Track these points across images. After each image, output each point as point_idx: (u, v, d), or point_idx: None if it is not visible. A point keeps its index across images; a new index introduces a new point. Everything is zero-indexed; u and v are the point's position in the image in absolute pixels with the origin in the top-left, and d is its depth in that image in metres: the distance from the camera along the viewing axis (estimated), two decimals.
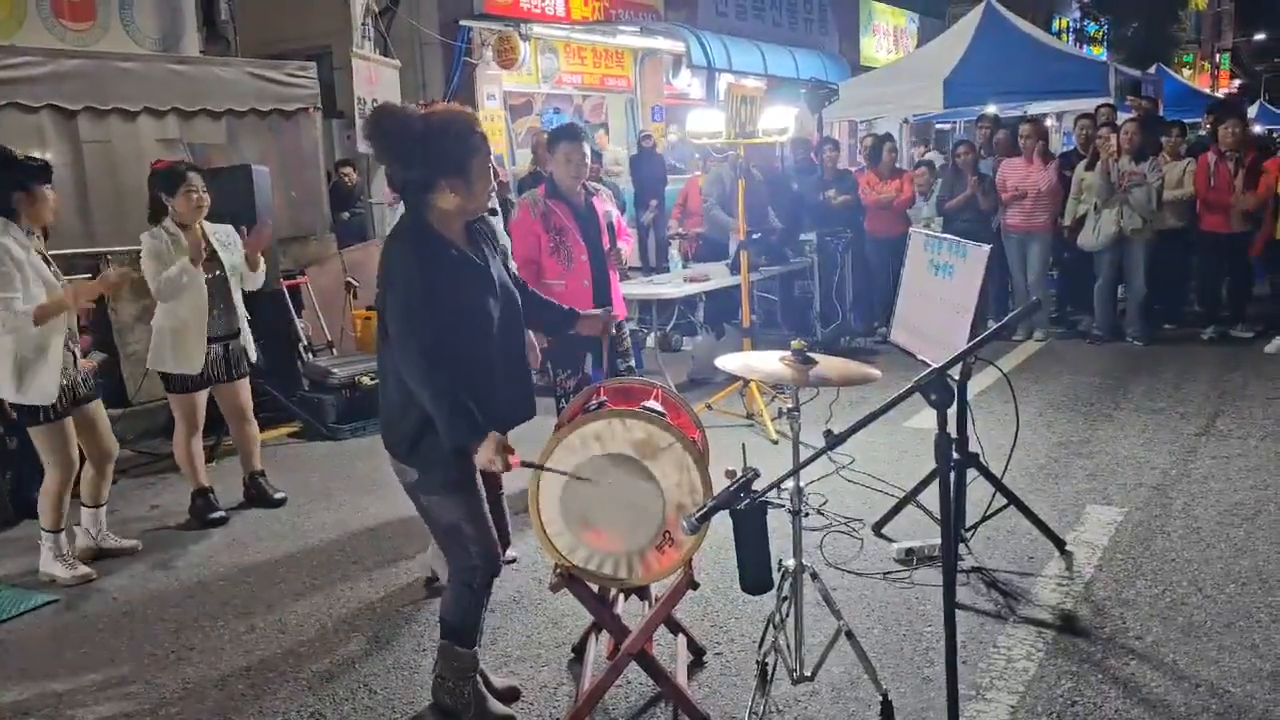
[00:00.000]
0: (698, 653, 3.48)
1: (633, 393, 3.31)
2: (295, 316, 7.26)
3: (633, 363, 5.48)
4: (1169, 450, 5.51)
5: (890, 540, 4.42)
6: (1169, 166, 8.14)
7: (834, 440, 2.57)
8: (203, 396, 4.97)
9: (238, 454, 5.34)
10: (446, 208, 2.80)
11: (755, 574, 2.99)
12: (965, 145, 8.49)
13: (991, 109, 10.63)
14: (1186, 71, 31.98)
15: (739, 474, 2.74)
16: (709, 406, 6.41)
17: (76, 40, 9.00)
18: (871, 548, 4.36)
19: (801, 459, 2.85)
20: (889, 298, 8.72)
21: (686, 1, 15.73)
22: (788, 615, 3.03)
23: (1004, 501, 4.24)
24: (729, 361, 3.04)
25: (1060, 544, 4.25)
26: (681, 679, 3.21)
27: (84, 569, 4.41)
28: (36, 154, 6.37)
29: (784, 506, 2.98)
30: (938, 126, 16.37)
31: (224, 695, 3.38)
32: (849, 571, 4.13)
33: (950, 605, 2.64)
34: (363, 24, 8.39)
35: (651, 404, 3.14)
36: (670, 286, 6.76)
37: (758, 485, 2.66)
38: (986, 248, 3.87)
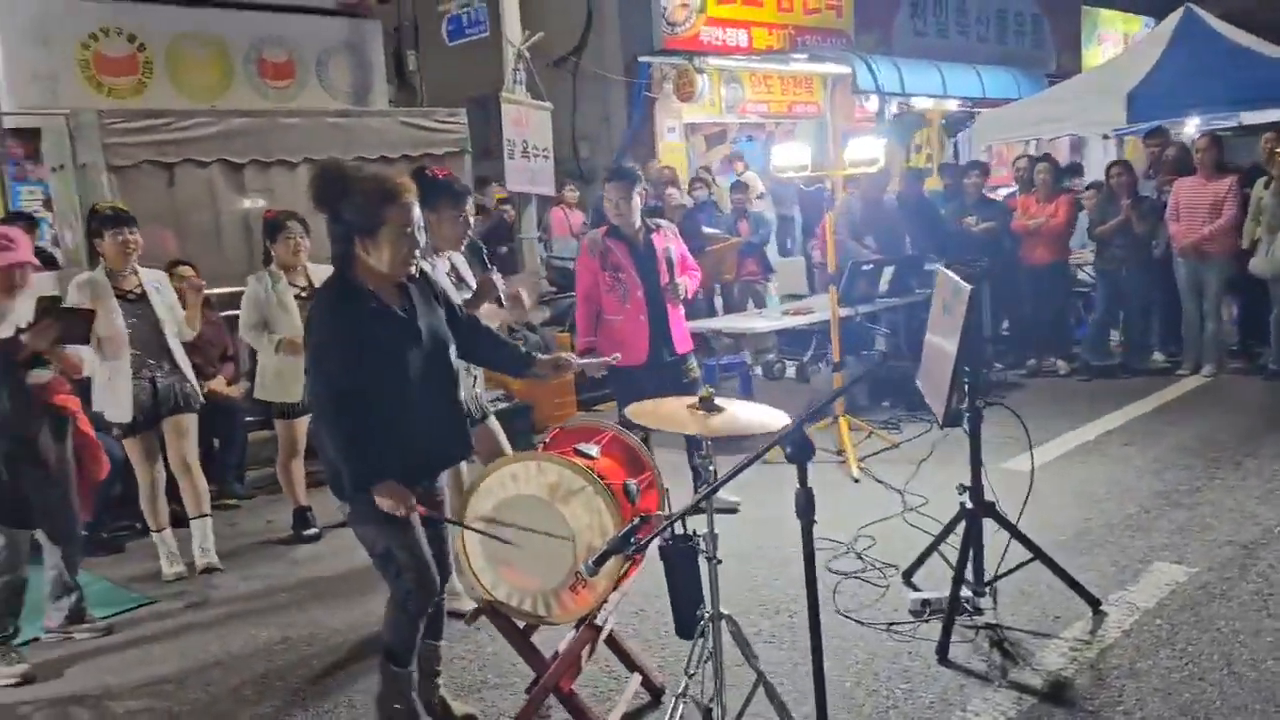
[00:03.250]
0: (655, 692, 3.53)
1: (581, 433, 3.42)
2: None
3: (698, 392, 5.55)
4: None
5: (916, 590, 4.26)
6: None
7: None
8: (302, 424, 5.47)
9: None
10: (367, 263, 3.03)
11: (682, 618, 3.04)
12: (1119, 166, 7.89)
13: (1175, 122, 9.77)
14: None
15: (637, 521, 2.81)
16: None
17: (278, 97, 10.12)
18: (894, 596, 4.22)
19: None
20: (1048, 330, 8.29)
21: (880, 23, 15.43)
22: (704, 662, 3.03)
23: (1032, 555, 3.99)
24: (638, 410, 3.08)
25: (1095, 603, 3.94)
26: (614, 716, 3.27)
27: (178, 568, 5.01)
28: (207, 205, 7.32)
29: (703, 551, 2.97)
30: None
31: (234, 700, 3.78)
32: (853, 620, 4.02)
33: (818, 664, 2.60)
34: (515, 69, 8.87)
35: (586, 447, 3.24)
36: (765, 320, 6.73)
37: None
38: (967, 289, 3.67)
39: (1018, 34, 17.52)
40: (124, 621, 4.59)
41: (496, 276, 4.16)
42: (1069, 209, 7.94)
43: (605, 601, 3.08)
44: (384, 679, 3.24)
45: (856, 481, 5.78)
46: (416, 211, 3.03)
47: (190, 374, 5.14)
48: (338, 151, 7.79)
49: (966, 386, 3.89)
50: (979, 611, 3.95)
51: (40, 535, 4.29)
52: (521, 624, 3.21)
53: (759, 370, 9.15)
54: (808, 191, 10.35)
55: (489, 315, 4.41)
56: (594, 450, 3.23)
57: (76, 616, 4.44)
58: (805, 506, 2.58)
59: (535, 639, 3.33)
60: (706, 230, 8.74)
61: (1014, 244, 8.26)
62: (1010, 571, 3.96)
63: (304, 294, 5.43)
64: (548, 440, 3.41)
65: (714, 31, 13.42)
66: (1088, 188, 8.92)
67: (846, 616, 4.05)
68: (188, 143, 7.16)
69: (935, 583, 4.22)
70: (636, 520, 2.77)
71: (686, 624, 3.01)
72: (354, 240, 2.99)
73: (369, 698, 3.63)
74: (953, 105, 14.26)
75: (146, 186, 6.97)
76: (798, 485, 2.57)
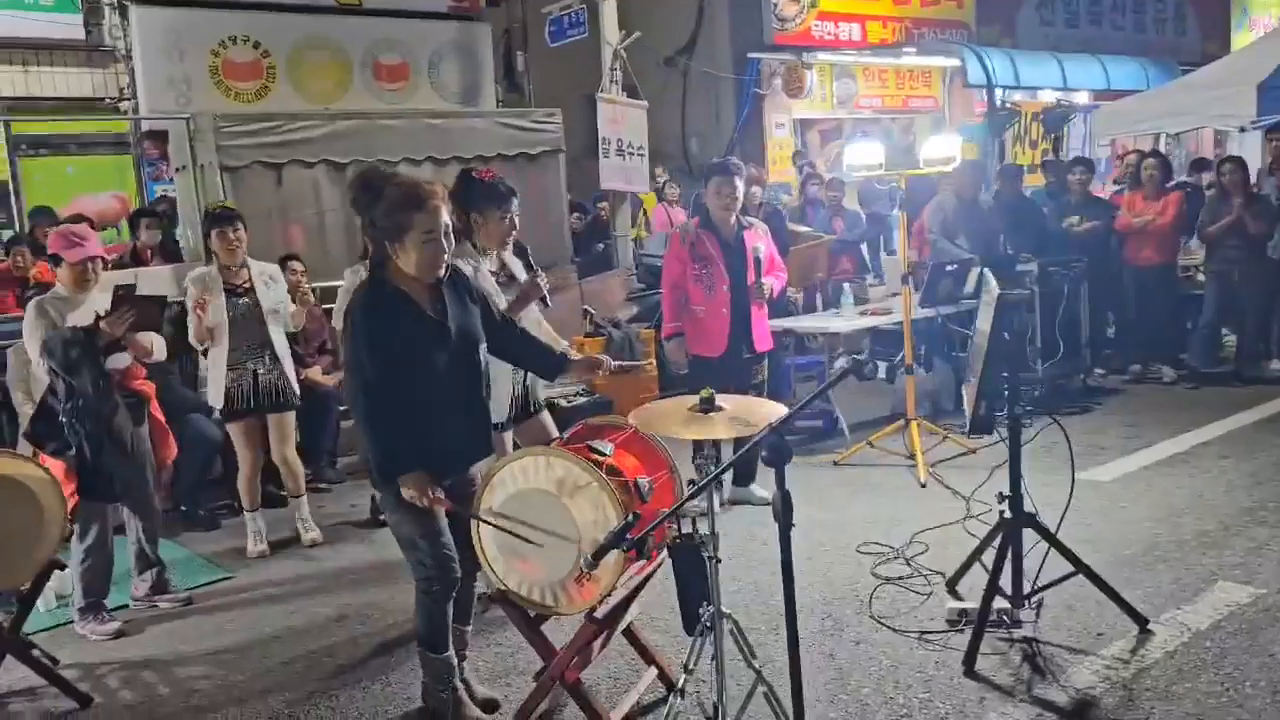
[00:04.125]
0: (671, 687, 3.56)
1: (603, 430, 3.49)
2: None
3: (763, 394, 5.57)
4: None
5: (959, 599, 4.17)
6: None
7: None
8: None
9: None
10: (398, 265, 3.17)
11: (687, 615, 3.09)
12: (1232, 162, 7.44)
13: None
14: None
15: (627, 520, 2.86)
16: (870, 443, 6.25)
17: (392, 99, 10.54)
18: (933, 604, 4.14)
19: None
20: (1154, 334, 7.91)
21: (1003, 15, 14.95)
22: (697, 662, 3.07)
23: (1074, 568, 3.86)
24: (637, 412, 3.13)
25: (1142, 621, 3.78)
26: (621, 710, 3.34)
27: (261, 547, 5.35)
28: (312, 203, 7.71)
29: (706, 551, 3.01)
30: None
31: (283, 673, 4.01)
32: (887, 626, 3.97)
33: (796, 675, 2.62)
34: (612, 68, 9.00)
35: (599, 444, 3.31)
36: (840, 320, 6.65)
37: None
38: (996, 291, 3.58)
39: (1157, 21, 16.70)
40: (204, 594, 4.91)
41: (542, 279, 4.27)
42: (1178, 207, 7.55)
43: (610, 594, 3.14)
44: (424, 666, 3.38)
45: (923, 486, 5.68)
46: (444, 217, 3.13)
47: (290, 369, 5.45)
48: (435, 151, 8.13)
49: (1006, 392, 3.78)
50: (1017, 624, 3.84)
51: (124, 512, 4.63)
52: (532, 613, 3.30)
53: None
54: (913, 188, 10.13)
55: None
56: (607, 448, 3.30)
57: (160, 587, 4.78)
58: (783, 510, 2.59)
59: (556, 630, 3.44)
60: (798, 228, 8.67)
61: (1120, 244, 7.91)
62: (1050, 585, 3.84)
63: None
64: (567, 436, 3.49)
65: (826, 26, 13.30)
66: (1177, 186, 8.46)
67: (880, 622, 4.01)
68: (294, 144, 7.55)
69: (979, 593, 4.11)
70: (630, 517, 2.83)
71: (690, 621, 3.07)
72: (385, 245, 3.14)
73: (404, 679, 3.82)
74: (1082, 98, 13.69)
75: (256, 186, 7.39)
76: (776, 490, 2.59)
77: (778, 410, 2.97)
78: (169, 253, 7.60)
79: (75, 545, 4.47)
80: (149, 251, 7.54)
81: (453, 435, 3.24)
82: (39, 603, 4.76)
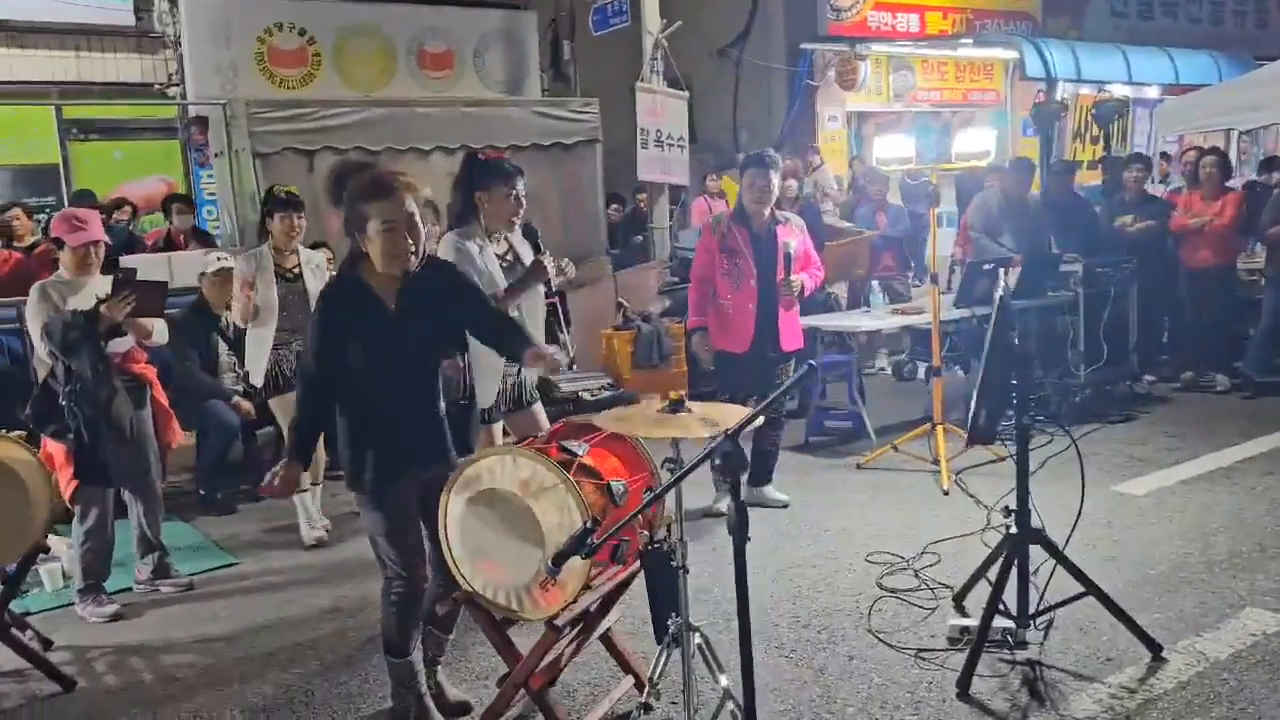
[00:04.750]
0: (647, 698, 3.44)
1: (581, 430, 3.36)
2: (560, 332, 7.95)
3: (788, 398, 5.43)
4: None
5: (966, 615, 3.97)
6: None
7: None
8: None
9: None
10: (369, 259, 3.08)
11: (657, 624, 2.97)
12: None
13: None
14: None
15: (585, 525, 2.74)
16: (894, 448, 6.04)
17: (436, 87, 10.50)
18: (937, 620, 3.95)
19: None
20: (1207, 340, 7.54)
21: (1072, 6, 14.45)
22: (661, 675, 2.94)
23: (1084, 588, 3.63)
24: (606, 416, 3.00)
25: (1155, 648, 3.55)
26: (592, 718, 3.23)
27: (319, 533, 5.33)
28: None
29: (673, 561, 2.87)
30: None
31: (266, 663, 3.97)
32: (883, 641, 3.79)
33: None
34: (652, 58, 8.86)
35: (571, 444, 3.19)
36: (871, 319, 6.43)
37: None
38: (999, 295, 3.37)
39: (1237, 13, 16.03)
40: (207, 579, 4.91)
41: (548, 259, 4.18)
42: (1237, 207, 7.18)
43: (574, 601, 3.02)
44: (389, 669, 3.31)
45: (946, 494, 5.46)
46: (409, 208, 3.00)
47: None
48: (469, 140, 8.05)
49: (1015, 401, 3.57)
50: (1021, 645, 3.63)
51: (126, 495, 4.64)
52: (498, 616, 3.20)
53: (889, 369, 8.81)
54: (962, 184, 9.83)
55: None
56: (581, 448, 3.18)
57: (162, 572, 4.78)
58: (737, 524, 2.44)
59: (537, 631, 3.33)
60: (838, 224, 8.45)
61: (1176, 245, 7.55)
62: (1057, 605, 3.63)
63: None
64: (546, 434, 3.38)
65: (883, 16, 12.97)
66: (1247, 185, 8.04)
67: (876, 636, 3.83)
68: (327, 131, 7.57)
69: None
70: (589, 522, 2.70)
71: (659, 630, 2.94)
72: (353, 235, 3.06)
73: (381, 677, 3.73)
74: (1153, 92, 13.16)
75: (288, 172, 7.40)
76: (731, 501, 2.44)
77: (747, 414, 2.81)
78: (198, 235, 7.65)
79: (75, 528, 4.50)
80: (182, 236, 7.59)
81: (404, 435, 3.14)
82: (45, 582, 4.85)
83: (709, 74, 13.33)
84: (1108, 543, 4.64)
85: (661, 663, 2.92)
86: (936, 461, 5.77)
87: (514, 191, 4.12)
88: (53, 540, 4.97)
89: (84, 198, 8.18)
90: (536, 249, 4.32)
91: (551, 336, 8.04)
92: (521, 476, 3.01)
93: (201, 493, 6.07)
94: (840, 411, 6.86)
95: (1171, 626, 3.77)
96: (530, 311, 4.29)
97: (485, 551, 3.08)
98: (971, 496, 5.30)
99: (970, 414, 3.54)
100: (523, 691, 3.15)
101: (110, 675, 3.96)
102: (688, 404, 2.86)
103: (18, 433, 5.10)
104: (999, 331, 3.32)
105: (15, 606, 4.52)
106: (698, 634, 2.93)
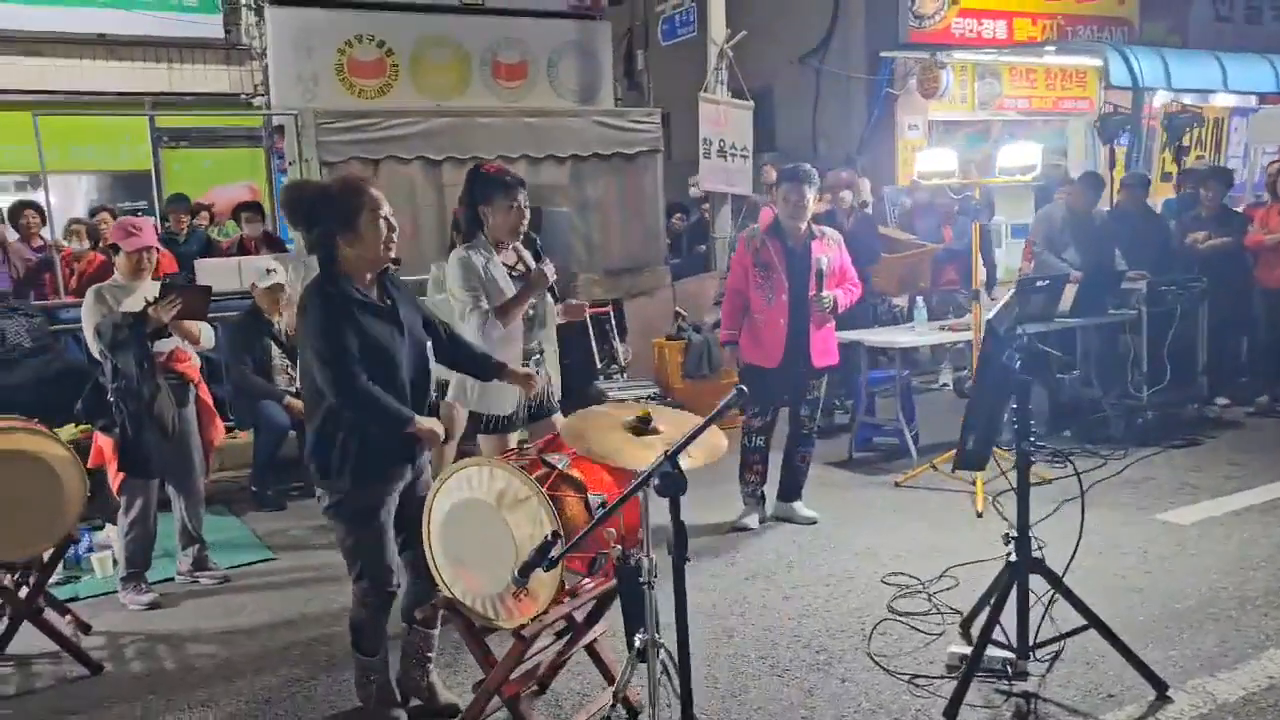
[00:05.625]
0: (632, 710, 3.45)
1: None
2: (614, 340, 8.04)
3: (815, 411, 5.39)
4: None
5: (969, 642, 3.87)
6: None
7: None
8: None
9: None
10: (349, 258, 3.18)
11: (629, 637, 2.99)
12: None
13: None
14: None
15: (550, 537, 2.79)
16: (934, 466, 5.91)
17: (510, 96, 10.68)
18: (940, 645, 3.87)
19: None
20: None
21: (1173, 11, 13.90)
22: (625, 688, 2.96)
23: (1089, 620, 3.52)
24: (567, 425, 3.03)
25: (1161, 687, 3.41)
26: None
27: None
28: (406, 199, 7.90)
29: (642, 581, 2.89)
30: None
31: (278, 658, 4.12)
32: (881, 666, 3.73)
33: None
34: (716, 68, 8.86)
35: (553, 456, 3.23)
36: (910, 335, 6.31)
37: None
38: (989, 318, 3.28)
39: None
40: (243, 573, 5.10)
41: (549, 268, 4.24)
42: None
43: (545, 612, 3.07)
44: (355, 663, 3.42)
45: (979, 515, 5.33)
46: (386, 203, 3.21)
47: None
48: (530, 150, 8.21)
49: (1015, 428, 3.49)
50: (1021, 676, 3.54)
51: (170, 490, 4.86)
52: (477, 624, 3.26)
53: (950, 385, 8.63)
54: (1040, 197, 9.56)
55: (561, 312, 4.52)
56: (563, 460, 3.22)
57: (200, 564, 5.00)
58: (676, 543, 2.45)
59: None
60: (898, 235, 8.31)
61: (1253, 262, 7.22)
62: (1059, 638, 3.53)
63: None
64: (534, 446, 3.43)
65: (967, 23, 12.70)
66: None
67: (875, 660, 3.77)
68: (391, 140, 7.77)
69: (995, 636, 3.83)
70: (550, 535, 2.74)
71: (629, 645, 2.96)
72: (335, 242, 3.16)
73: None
74: (1250, 103, 12.58)
75: None
76: (672, 519, 2.45)
77: (710, 433, 2.82)
78: (269, 242, 7.95)
79: (120, 518, 4.73)
80: (253, 242, 7.90)
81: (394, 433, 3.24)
82: (95, 569, 5.11)
83: (788, 83, 13.27)
84: (1139, 574, 4.47)
85: (627, 677, 2.94)
86: (974, 481, 5.64)
87: (516, 203, 4.20)
88: (107, 530, 5.29)
89: (179, 201, 8.58)
90: (537, 257, 4.39)
91: (605, 345, 8.15)
92: (498, 488, 3.08)
93: (254, 489, 6.31)
94: (888, 428, 6.75)
95: (1185, 664, 3.62)
96: (543, 318, 4.35)
97: (464, 560, 3.15)
98: (1006, 519, 5.14)
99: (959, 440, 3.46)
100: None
101: (136, 661, 4.16)
102: (655, 423, 2.88)
103: (83, 427, 5.46)
104: (988, 356, 3.25)
105: (66, 592, 4.84)
106: (662, 650, 2.94)
